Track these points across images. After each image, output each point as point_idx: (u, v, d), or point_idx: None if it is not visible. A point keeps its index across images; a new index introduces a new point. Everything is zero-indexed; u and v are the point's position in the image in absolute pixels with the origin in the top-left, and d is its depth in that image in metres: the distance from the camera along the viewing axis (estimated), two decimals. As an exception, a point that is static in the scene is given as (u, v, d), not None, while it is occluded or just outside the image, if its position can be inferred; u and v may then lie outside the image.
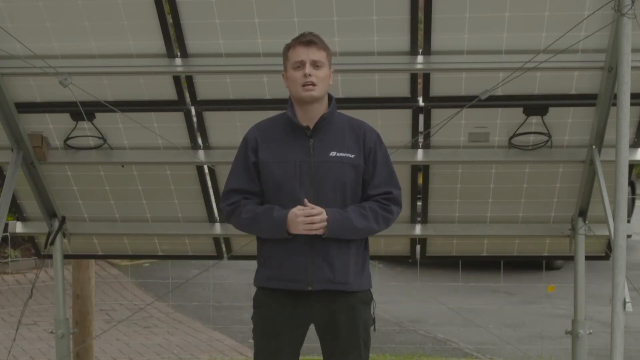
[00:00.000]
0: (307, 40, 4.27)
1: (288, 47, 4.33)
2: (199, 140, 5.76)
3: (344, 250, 4.29)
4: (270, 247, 4.32)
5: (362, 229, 4.27)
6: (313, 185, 4.26)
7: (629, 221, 5.23)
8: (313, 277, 4.26)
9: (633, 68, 4.66)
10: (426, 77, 5.42)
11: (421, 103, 5.52)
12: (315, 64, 4.25)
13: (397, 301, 9.99)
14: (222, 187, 5.49)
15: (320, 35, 4.38)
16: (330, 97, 4.37)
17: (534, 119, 5.53)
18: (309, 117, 4.32)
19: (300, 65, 4.25)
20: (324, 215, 4.18)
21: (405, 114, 5.55)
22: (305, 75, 4.23)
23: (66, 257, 6.27)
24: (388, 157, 4.41)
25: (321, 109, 4.33)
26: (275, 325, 4.33)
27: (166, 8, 5.20)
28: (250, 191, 4.33)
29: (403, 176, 5.61)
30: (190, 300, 10.33)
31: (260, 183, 4.32)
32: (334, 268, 4.27)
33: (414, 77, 5.42)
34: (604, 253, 6.11)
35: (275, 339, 4.33)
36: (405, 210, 5.94)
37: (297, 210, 4.19)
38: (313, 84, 4.24)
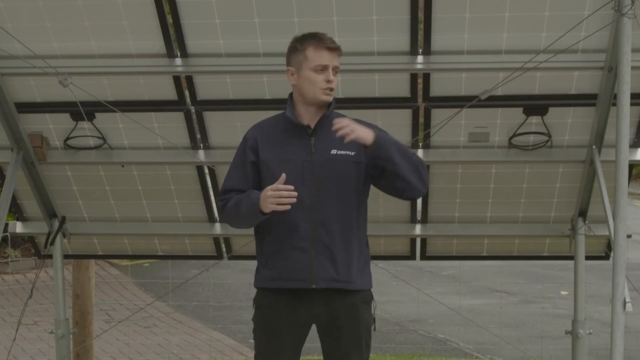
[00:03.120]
0: (334, 46, 4.28)
1: (305, 46, 4.29)
2: (199, 140, 5.76)
3: (347, 248, 4.28)
4: (271, 246, 4.32)
5: (408, 152, 4.28)
6: (315, 183, 4.26)
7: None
8: (317, 275, 4.25)
9: (633, 68, 4.66)
10: (426, 77, 5.42)
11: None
12: (335, 70, 4.29)
13: (397, 301, 10.00)
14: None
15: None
16: None
17: (534, 119, 5.53)
18: (310, 116, 4.32)
19: (324, 69, 4.27)
20: (294, 193, 4.14)
21: (405, 114, 5.55)
22: (328, 81, 4.26)
23: (66, 257, 6.27)
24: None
25: (322, 108, 4.33)
26: (277, 326, 4.33)
27: (166, 8, 5.20)
28: (243, 190, 4.33)
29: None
30: (190, 300, 10.34)
31: (254, 182, 4.32)
32: (337, 266, 4.27)
33: (414, 77, 5.42)
34: (604, 253, 6.11)
35: (277, 339, 4.33)
36: (405, 210, 5.95)
37: (267, 187, 4.18)
38: (332, 90, 4.28)
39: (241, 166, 4.35)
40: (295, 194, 4.15)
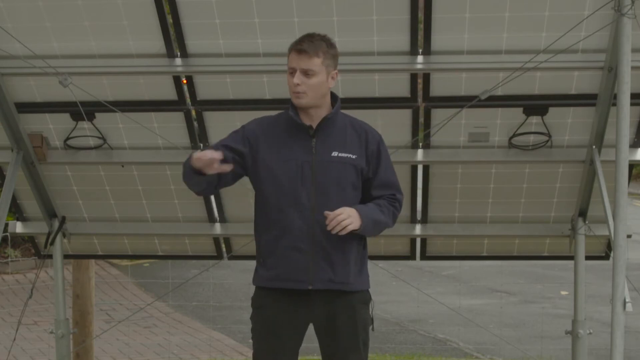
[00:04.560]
0: (299, 48, 4.25)
1: (289, 50, 4.33)
2: (199, 141, 5.76)
3: (345, 249, 4.28)
4: (268, 245, 4.31)
5: (384, 223, 4.33)
6: (314, 185, 4.26)
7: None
8: (313, 276, 4.25)
9: (633, 68, 4.66)
10: (426, 77, 5.42)
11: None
12: (306, 73, 4.24)
13: (397, 301, 10.00)
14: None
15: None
16: (335, 97, 4.36)
17: (534, 119, 5.53)
18: (311, 117, 4.31)
19: (292, 72, 4.26)
20: (219, 155, 4.10)
21: (405, 114, 5.55)
22: (295, 84, 4.24)
23: (66, 257, 6.27)
24: (390, 160, 4.42)
25: (323, 109, 4.32)
26: (275, 326, 4.33)
27: (166, 8, 5.20)
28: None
29: (403, 176, 5.61)
30: (190, 300, 10.34)
31: (230, 159, 4.26)
32: (334, 268, 4.27)
33: (414, 77, 5.42)
34: (604, 253, 6.11)
35: (276, 339, 4.33)
36: (405, 210, 5.94)
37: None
38: (300, 92, 4.24)
39: (225, 143, 4.31)
40: (217, 157, 4.09)
